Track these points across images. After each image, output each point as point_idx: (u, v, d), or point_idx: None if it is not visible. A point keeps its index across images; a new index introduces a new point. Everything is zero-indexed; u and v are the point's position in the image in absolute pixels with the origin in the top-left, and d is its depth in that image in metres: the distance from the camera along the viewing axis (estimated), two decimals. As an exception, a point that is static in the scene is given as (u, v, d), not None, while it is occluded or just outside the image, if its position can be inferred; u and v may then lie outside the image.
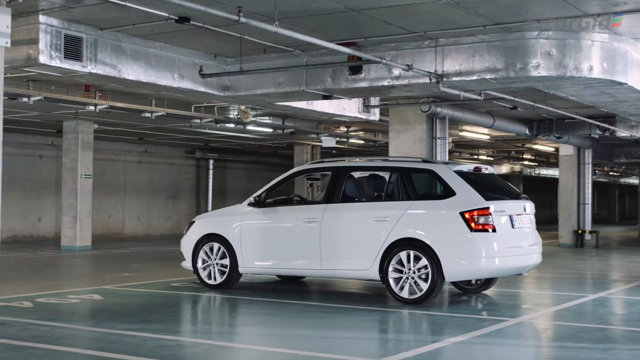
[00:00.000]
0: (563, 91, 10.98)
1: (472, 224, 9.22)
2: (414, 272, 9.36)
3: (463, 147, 26.60)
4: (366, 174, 10.54)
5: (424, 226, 9.41)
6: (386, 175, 10.29)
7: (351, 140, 22.88)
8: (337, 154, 29.70)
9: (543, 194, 50.14)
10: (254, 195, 10.82)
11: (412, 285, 9.40)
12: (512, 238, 9.65)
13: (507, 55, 9.51)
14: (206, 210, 28.62)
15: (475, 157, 28.97)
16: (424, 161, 10.40)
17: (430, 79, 9.82)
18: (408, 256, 9.40)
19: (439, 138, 15.20)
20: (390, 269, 9.47)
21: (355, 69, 10.38)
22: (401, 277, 9.44)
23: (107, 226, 25.25)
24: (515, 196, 10.18)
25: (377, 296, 10.42)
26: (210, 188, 28.67)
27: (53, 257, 16.92)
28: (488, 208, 9.31)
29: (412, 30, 9.44)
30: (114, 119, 17.96)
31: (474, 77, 9.75)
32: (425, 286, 9.31)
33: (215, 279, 10.87)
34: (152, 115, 15.52)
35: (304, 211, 10.41)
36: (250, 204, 10.76)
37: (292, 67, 10.60)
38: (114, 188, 25.58)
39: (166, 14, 8.50)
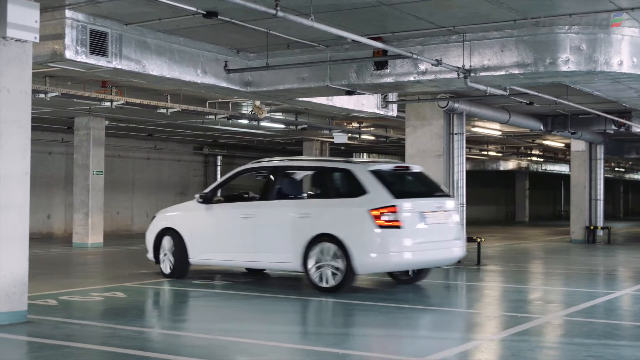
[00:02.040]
0: (589, 86, 10.89)
1: (379, 221, 9.78)
2: (329, 265, 10.08)
3: (473, 143, 26.50)
4: (307, 173, 11.61)
5: (338, 222, 10.12)
6: (317, 174, 11.06)
7: (363, 136, 22.74)
8: (345, 150, 29.61)
9: (548, 190, 50.10)
10: (202, 192, 11.90)
11: (328, 276, 10.09)
12: (423, 234, 10.21)
13: (537, 50, 9.40)
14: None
15: (485, 152, 28.89)
16: (346, 161, 10.81)
17: (458, 74, 9.72)
18: (324, 250, 10.13)
19: (456, 134, 15.08)
20: (311, 261, 10.20)
21: (381, 64, 10.27)
22: (320, 269, 10.15)
23: (116, 223, 25.16)
24: (430, 194, 10.79)
25: (396, 293, 10.35)
26: (219, 184, 28.55)
27: (66, 254, 16.83)
28: (395, 206, 9.87)
29: (441, 24, 9.33)
30: (127, 115, 17.85)
31: (502, 73, 9.63)
32: (339, 277, 10.01)
33: (170, 269, 11.77)
34: (167, 111, 15.42)
35: (242, 207, 11.31)
36: (198, 201, 11.74)
37: (316, 63, 10.49)
38: (122, 184, 25.49)
39: (194, 9, 8.39)
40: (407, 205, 10.03)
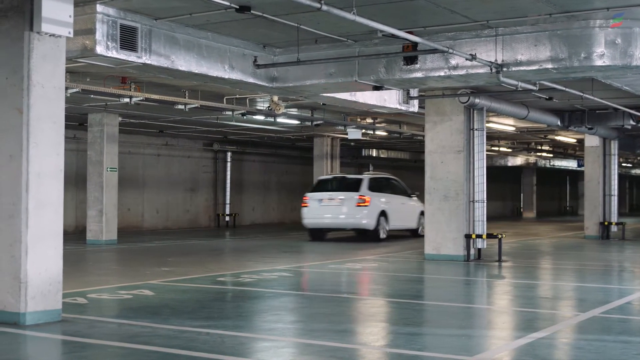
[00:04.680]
0: (620, 81, 10.79)
1: (303, 203, 20.21)
2: None
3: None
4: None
5: None
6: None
7: (376, 132, 22.59)
8: (355, 146, 29.51)
9: (553, 186, 50.00)
10: None
11: None
12: (320, 210, 19.80)
13: (571, 45, 9.28)
14: (224, 204, 28.41)
15: (496, 148, 28.76)
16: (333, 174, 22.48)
17: (491, 69, 9.59)
18: None
19: (476, 129, 14.98)
20: None
21: (411, 59, 10.15)
22: None
23: (127, 219, 25.03)
24: (333, 190, 20.11)
25: (436, 289, 10.27)
26: (228, 181, 28.43)
27: (82, 252, 16.72)
28: (306, 195, 20.33)
29: (475, 19, 9.21)
30: (142, 111, 17.72)
31: (535, 67, 9.51)
32: None
33: None
34: (185, 107, 15.29)
35: None
36: None
37: (344, 58, 10.36)
38: (133, 181, 25.37)
39: (227, 3, 8.28)
40: (311, 195, 20.11)
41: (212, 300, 9.51)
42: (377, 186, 20.19)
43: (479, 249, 14.94)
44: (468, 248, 14.72)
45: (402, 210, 20.83)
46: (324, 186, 20.26)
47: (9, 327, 7.21)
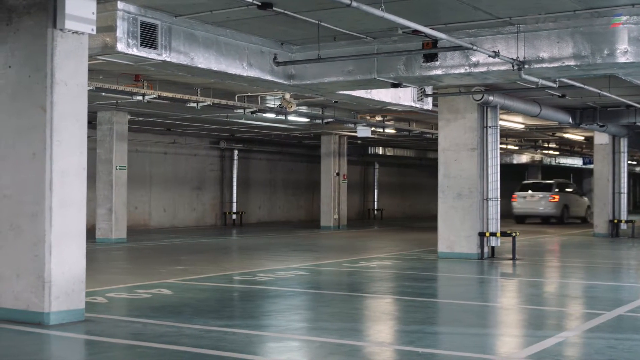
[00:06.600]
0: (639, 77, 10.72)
1: (512, 199, 29.58)
2: None
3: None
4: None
5: None
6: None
7: (386, 130, 22.53)
8: (362, 144, 29.42)
9: (556, 184, 49.85)
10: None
11: None
12: (525, 204, 29.26)
13: (594, 42, 9.21)
14: (230, 202, 28.32)
15: (503, 145, 28.69)
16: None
17: (512, 66, 9.52)
18: None
19: (490, 127, 14.91)
20: None
21: (430, 57, 10.08)
22: None
23: (134, 218, 24.93)
24: (529, 190, 29.50)
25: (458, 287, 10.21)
26: (235, 179, 28.34)
27: (93, 250, 16.64)
28: (515, 194, 29.47)
29: (498, 15, 9.13)
30: (153, 109, 17.62)
31: (557, 64, 9.44)
32: None
33: None
34: (197, 105, 15.22)
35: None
36: None
37: (363, 55, 10.29)
38: (140, 179, 25.27)
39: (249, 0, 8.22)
40: (518, 194, 29.24)
41: (233, 299, 9.46)
42: (561, 188, 29.57)
43: (493, 247, 14.88)
44: (482, 246, 14.65)
45: (576, 204, 30.16)
46: (525, 188, 29.83)
47: (33, 327, 7.16)
